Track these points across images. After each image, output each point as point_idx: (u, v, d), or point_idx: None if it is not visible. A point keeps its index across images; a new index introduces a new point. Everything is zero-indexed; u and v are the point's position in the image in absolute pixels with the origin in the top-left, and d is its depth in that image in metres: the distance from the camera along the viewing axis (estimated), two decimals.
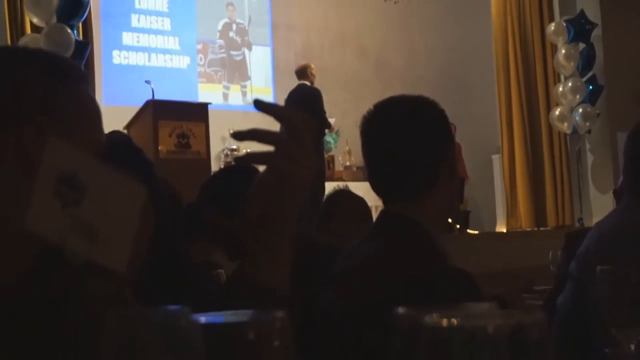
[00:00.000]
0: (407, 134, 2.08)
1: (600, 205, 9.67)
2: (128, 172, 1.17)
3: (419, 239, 1.99)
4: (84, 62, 7.49)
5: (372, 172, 2.17)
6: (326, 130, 9.36)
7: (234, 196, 3.43)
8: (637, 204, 2.49)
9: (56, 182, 1.08)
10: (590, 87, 10.11)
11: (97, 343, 0.83)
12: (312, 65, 9.43)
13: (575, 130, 10.32)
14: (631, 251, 2.29)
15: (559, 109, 10.32)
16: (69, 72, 1.33)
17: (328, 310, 2.04)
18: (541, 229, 10.37)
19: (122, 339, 0.82)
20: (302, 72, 9.32)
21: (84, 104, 1.31)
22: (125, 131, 7.82)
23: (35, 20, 7.29)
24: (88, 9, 7.58)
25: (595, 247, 2.44)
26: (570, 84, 10.25)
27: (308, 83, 9.22)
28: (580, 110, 10.11)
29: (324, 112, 9.03)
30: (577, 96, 10.17)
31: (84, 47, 7.51)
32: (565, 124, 10.28)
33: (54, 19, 7.21)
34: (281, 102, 9.41)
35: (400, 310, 0.72)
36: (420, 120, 2.11)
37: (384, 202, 2.14)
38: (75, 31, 7.40)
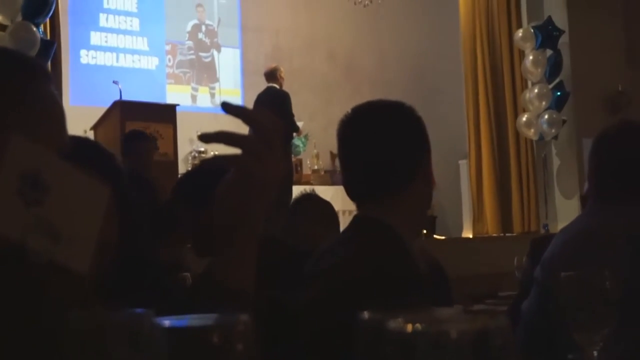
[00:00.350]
0: (383, 138, 2.08)
1: (565, 211, 9.73)
2: (91, 173, 1.17)
3: (391, 243, 2.00)
4: (49, 61, 7.44)
5: (347, 175, 2.17)
6: (294, 134, 9.36)
7: (206, 194, 3.44)
8: (601, 208, 2.51)
9: (19, 180, 1.07)
10: (558, 94, 10.18)
11: (59, 344, 0.82)
12: (282, 68, 9.44)
13: (541, 137, 10.39)
14: (595, 256, 2.31)
15: (526, 115, 10.39)
16: (29, 70, 1.32)
17: (297, 312, 2.04)
18: (507, 234, 10.43)
19: (84, 341, 0.82)
20: (271, 75, 9.32)
21: (45, 102, 1.30)
22: (91, 132, 7.79)
23: (0, 17, 7.22)
24: (54, 8, 7.52)
25: (559, 253, 2.46)
26: (536, 90, 10.32)
27: (277, 86, 9.22)
28: (546, 116, 10.17)
29: (293, 116, 9.03)
30: (544, 102, 10.23)
31: (50, 45, 7.45)
32: (532, 130, 10.35)
33: (19, 17, 7.15)
34: (250, 105, 9.41)
35: (365, 314, 0.72)
36: (397, 126, 2.12)
37: (358, 206, 2.14)
38: (41, 29, 7.34)
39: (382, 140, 2.08)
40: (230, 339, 0.78)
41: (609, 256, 2.25)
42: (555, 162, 10.53)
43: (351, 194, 2.16)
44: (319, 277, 2.05)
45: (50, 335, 0.93)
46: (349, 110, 2.16)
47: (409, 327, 0.62)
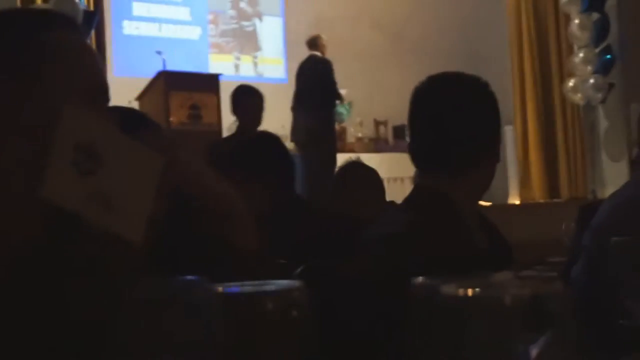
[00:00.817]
0: (461, 112, 2.08)
1: (613, 177, 9.62)
2: (145, 143, 1.18)
3: (451, 216, 2.01)
4: (91, 32, 7.48)
5: (418, 142, 2.16)
6: (337, 101, 9.32)
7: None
8: None
9: (73, 151, 1.08)
10: (605, 58, 10.03)
11: (116, 312, 0.84)
12: (323, 36, 9.39)
13: (588, 102, 10.27)
14: None
15: (572, 80, 10.26)
16: (49, 21, 1.33)
17: (353, 278, 2.06)
18: (554, 200, 10.35)
19: (142, 307, 0.83)
20: (313, 43, 9.27)
21: (66, 48, 1.31)
22: (136, 102, 7.83)
23: None
24: None
25: (608, 219, 2.43)
26: (582, 55, 10.18)
27: (319, 54, 9.17)
28: (592, 81, 10.03)
29: (335, 83, 8.99)
30: (589, 67, 10.09)
31: (92, 16, 7.48)
32: (579, 95, 10.22)
33: None
34: (293, 72, 9.41)
35: (419, 279, 0.73)
36: (474, 101, 2.12)
37: (422, 174, 2.14)
38: (83, 0, 7.37)
39: (459, 113, 2.08)
40: (285, 305, 0.79)
41: None
42: (603, 127, 10.39)
43: (418, 161, 2.16)
44: (378, 244, 2.06)
45: (107, 303, 0.94)
46: (425, 79, 2.15)
47: (461, 292, 0.63)
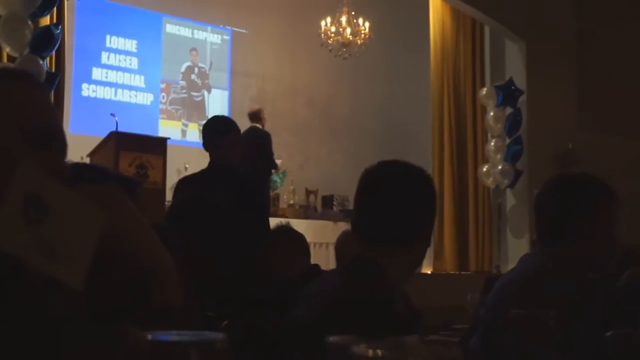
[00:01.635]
0: (404, 197, 2.13)
1: (516, 254, 9.73)
2: (88, 197, 1.16)
3: (379, 284, 2.02)
4: (52, 92, 7.42)
5: (361, 217, 2.19)
6: (273, 170, 9.37)
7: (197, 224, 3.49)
8: (543, 251, 2.53)
9: (23, 201, 1.07)
10: (513, 148, 10.28)
11: (54, 353, 0.82)
12: (264, 110, 9.47)
13: (497, 186, 10.48)
14: (536, 296, 2.32)
15: (486, 166, 10.47)
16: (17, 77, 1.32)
17: (281, 331, 2.06)
18: (462, 273, 10.45)
19: (78, 352, 0.81)
20: (255, 116, 9.35)
21: (8, 95, 1.30)
22: (87, 158, 7.75)
23: (8, 50, 7.22)
24: (59, 43, 7.53)
25: (501, 293, 2.47)
26: (493, 144, 10.45)
27: (259, 126, 9.25)
28: (500, 167, 10.29)
29: (272, 154, 9.06)
30: (499, 155, 10.35)
31: (54, 77, 7.43)
32: (491, 179, 10.43)
33: (27, 50, 7.15)
34: None
35: (333, 337, 0.72)
36: (417, 189, 2.17)
37: (361, 246, 2.15)
38: (46, 63, 7.33)
39: (403, 197, 2.13)
40: (208, 355, 0.77)
41: (551, 297, 2.26)
42: (510, 209, 10.58)
43: (359, 233, 2.18)
44: (310, 299, 2.06)
45: (46, 346, 0.92)
46: (375, 163, 2.19)
47: (370, 353, 0.63)
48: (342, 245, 4.87)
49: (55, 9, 7.65)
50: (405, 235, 2.13)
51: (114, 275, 1.23)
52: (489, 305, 2.47)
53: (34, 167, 1.10)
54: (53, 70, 7.66)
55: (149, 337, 0.79)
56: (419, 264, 2.24)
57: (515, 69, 10.59)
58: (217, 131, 5.39)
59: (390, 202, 2.13)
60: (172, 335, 0.79)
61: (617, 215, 2.51)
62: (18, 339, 1.18)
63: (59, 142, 1.32)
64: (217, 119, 5.80)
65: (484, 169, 10.48)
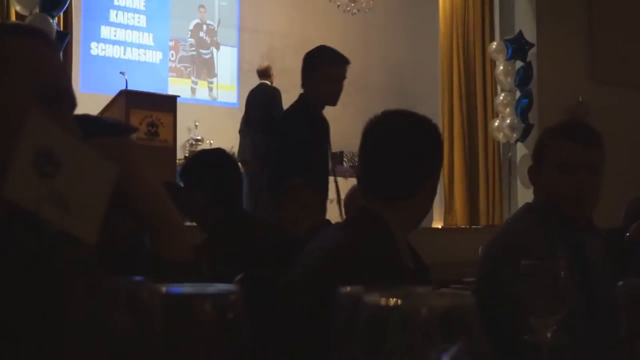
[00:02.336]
0: (408, 147, 2.10)
1: None
2: (102, 150, 1.17)
3: (384, 237, 2.02)
4: (62, 51, 7.41)
5: (365, 169, 2.17)
6: None
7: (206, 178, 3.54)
8: (536, 205, 2.54)
9: (34, 155, 1.07)
10: (524, 101, 10.23)
11: (65, 307, 0.83)
12: (272, 67, 9.46)
13: (507, 140, 10.45)
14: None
15: (497, 121, 10.44)
16: (11, 30, 1.32)
17: (292, 289, 2.06)
18: (473, 227, 10.46)
19: (90, 305, 0.82)
20: (264, 73, 9.33)
21: (21, 54, 1.28)
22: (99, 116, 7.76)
23: (18, 8, 7.20)
24: (68, 2, 7.50)
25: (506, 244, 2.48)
26: (502, 98, 10.41)
27: (268, 82, 9.23)
28: (508, 121, 10.26)
29: (282, 109, 9.04)
30: (508, 109, 10.31)
31: (63, 37, 7.41)
32: (501, 134, 10.40)
33: (37, 9, 7.13)
34: (244, 98, 9.42)
35: (345, 288, 0.73)
36: (422, 139, 2.13)
37: (366, 198, 2.15)
38: (55, 22, 7.31)
39: (407, 148, 2.10)
40: (222, 307, 0.78)
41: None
42: (520, 160, 10.55)
43: (363, 186, 2.17)
44: (312, 252, 2.07)
45: (56, 297, 0.93)
46: (379, 113, 2.16)
47: (383, 302, 0.63)
48: (350, 200, 4.87)
49: None
50: (407, 186, 2.11)
51: (125, 227, 1.23)
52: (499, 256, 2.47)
53: (46, 121, 1.10)
54: (62, 29, 7.64)
55: (163, 289, 0.79)
56: (425, 214, 2.20)
57: (525, 22, 10.49)
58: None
59: (390, 152, 2.11)
60: (186, 288, 0.80)
61: (574, 163, 2.45)
62: (30, 292, 1.20)
63: (70, 101, 1.32)
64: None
65: (495, 124, 10.43)
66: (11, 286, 1.20)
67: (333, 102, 5.37)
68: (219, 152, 3.86)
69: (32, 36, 1.30)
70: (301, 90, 5.44)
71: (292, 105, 5.51)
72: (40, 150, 1.07)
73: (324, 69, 5.24)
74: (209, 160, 3.72)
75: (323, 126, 5.32)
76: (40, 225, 1.10)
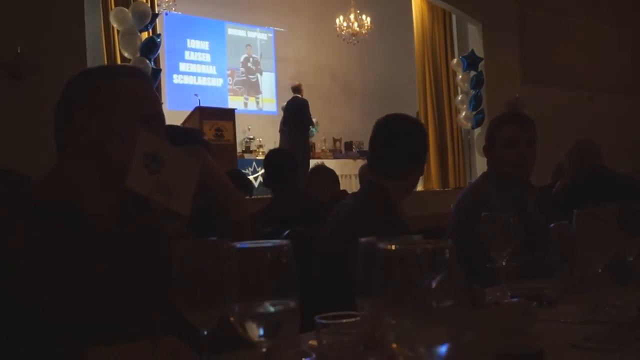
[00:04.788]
0: (404, 139, 2.12)
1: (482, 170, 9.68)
2: (187, 153, 1.18)
3: (386, 202, 2.04)
4: (156, 83, 7.44)
5: (372, 155, 2.17)
6: (311, 126, 9.34)
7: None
8: (489, 172, 2.51)
9: (145, 158, 1.09)
10: (473, 101, 10.19)
11: (169, 260, 0.84)
12: (302, 84, 9.41)
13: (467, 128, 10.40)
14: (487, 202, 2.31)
15: (463, 113, 10.38)
16: (122, 72, 1.29)
17: (322, 240, 2.08)
18: (445, 189, 10.43)
19: (187, 261, 0.83)
20: (296, 89, 9.29)
21: (130, 90, 1.26)
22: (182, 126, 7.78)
23: (126, 54, 7.22)
24: (160, 48, 7.51)
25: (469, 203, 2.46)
26: (460, 98, 10.37)
27: (300, 96, 9.19)
28: (463, 113, 10.21)
29: (310, 115, 9.03)
30: (465, 105, 10.25)
31: (157, 73, 7.44)
32: (469, 124, 10.34)
33: (138, 54, 7.15)
34: (280, 108, 9.40)
35: (363, 239, 0.74)
36: (412, 134, 2.15)
37: (373, 174, 2.15)
38: (151, 62, 7.33)
39: (404, 140, 2.11)
40: (279, 255, 0.79)
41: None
42: (477, 142, 10.49)
43: (372, 166, 2.17)
44: (337, 215, 2.08)
45: (163, 257, 0.94)
46: (384, 116, 2.19)
47: (392, 247, 0.64)
48: (362, 175, 4.88)
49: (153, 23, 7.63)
50: (403, 167, 2.12)
51: (206, 203, 1.25)
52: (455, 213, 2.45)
53: (151, 134, 1.11)
54: (155, 66, 7.67)
55: (237, 245, 0.80)
56: (414, 187, 2.22)
57: (476, 43, 10.39)
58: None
59: (391, 143, 2.12)
60: (252, 244, 0.81)
61: (521, 140, 2.42)
62: (145, 256, 1.21)
63: (162, 119, 1.33)
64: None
65: (461, 115, 10.42)
66: (130, 252, 1.21)
67: None
68: (271, 152, 3.92)
69: (136, 75, 1.30)
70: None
71: None
72: (149, 154, 1.09)
73: None
74: (266, 158, 3.81)
75: None
76: (152, 205, 1.11)
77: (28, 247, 1.08)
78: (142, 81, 1.29)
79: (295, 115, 8.83)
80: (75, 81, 1.25)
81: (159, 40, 7.44)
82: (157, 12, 7.96)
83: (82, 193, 1.18)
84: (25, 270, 1.06)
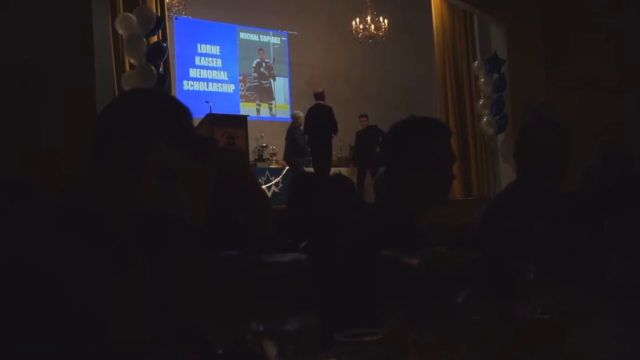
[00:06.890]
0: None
1: (508, 182, 9.62)
2: (201, 162, 1.19)
3: (399, 212, 2.03)
4: (164, 88, 7.49)
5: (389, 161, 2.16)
6: (332, 134, 9.23)
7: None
8: (520, 180, 2.50)
9: (160, 170, 1.10)
10: (496, 105, 10.09)
11: (182, 274, 0.85)
12: (324, 90, 9.35)
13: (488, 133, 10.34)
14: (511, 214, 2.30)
15: (485, 118, 10.29)
16: (173, 107, 1.34)
17: (342, 246, 2.07)
18: (468, 198, 10.37)
19: (202, 272, 0.84)
20: (319, 95, 9.19)
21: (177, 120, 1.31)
22: None
23: (131, 60, 7.28)
24: (167, 53, 7.56)
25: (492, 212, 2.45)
26: (481, 102, 10.28)
27: (322, 102, 9.13)
28: (485, 119, 10.13)
29: (336, 122, 8.98)
30: (486, 110, 10.18)
31: (164, 78, 7.48)
32: (492, 129, 10.23)
33: (144, 60, 7.20)
34: (296, 113, 9.41)
35: (385, 251, 0.74)
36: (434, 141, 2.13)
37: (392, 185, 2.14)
38: (159, 68, 7.38)
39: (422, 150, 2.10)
40: (298, 269, 0.79)
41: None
42: (500, 145, 10.40)
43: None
44: (354, 226, 2.07)
45: (180, 267, 0.95)
46: (398, 121, 2.14)
47: (414, 261, 0.64)
48: (378, 183, 4.87)
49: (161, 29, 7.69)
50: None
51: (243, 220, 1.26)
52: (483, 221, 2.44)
53: (165, 146, 1.12)
54: (163, 72, 7.73)
55: (254, 258, 0.81)
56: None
57: (498, 45, 10.35)
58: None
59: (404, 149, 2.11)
60: (270, 257, 0.81)
61: (555, 148, 2.41)
62: (159, 265, 1.22)
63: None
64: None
65: (484, 120, 10.30)
66: (146, 260, 1.22)
67: None
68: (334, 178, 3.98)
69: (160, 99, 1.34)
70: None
71: None
72: (162, 167, 1.10)
73: None
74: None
75: None
76: (167, 217, 1.12)
77: (71, 263, 1.05)
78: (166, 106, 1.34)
79: (321, 122, 8.80)
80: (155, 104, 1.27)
81: (165, 45, 7.48)
82: (164, 16, 8.02)
83: (119, 207, 1.18)
84: (81, 290, 1.03)
